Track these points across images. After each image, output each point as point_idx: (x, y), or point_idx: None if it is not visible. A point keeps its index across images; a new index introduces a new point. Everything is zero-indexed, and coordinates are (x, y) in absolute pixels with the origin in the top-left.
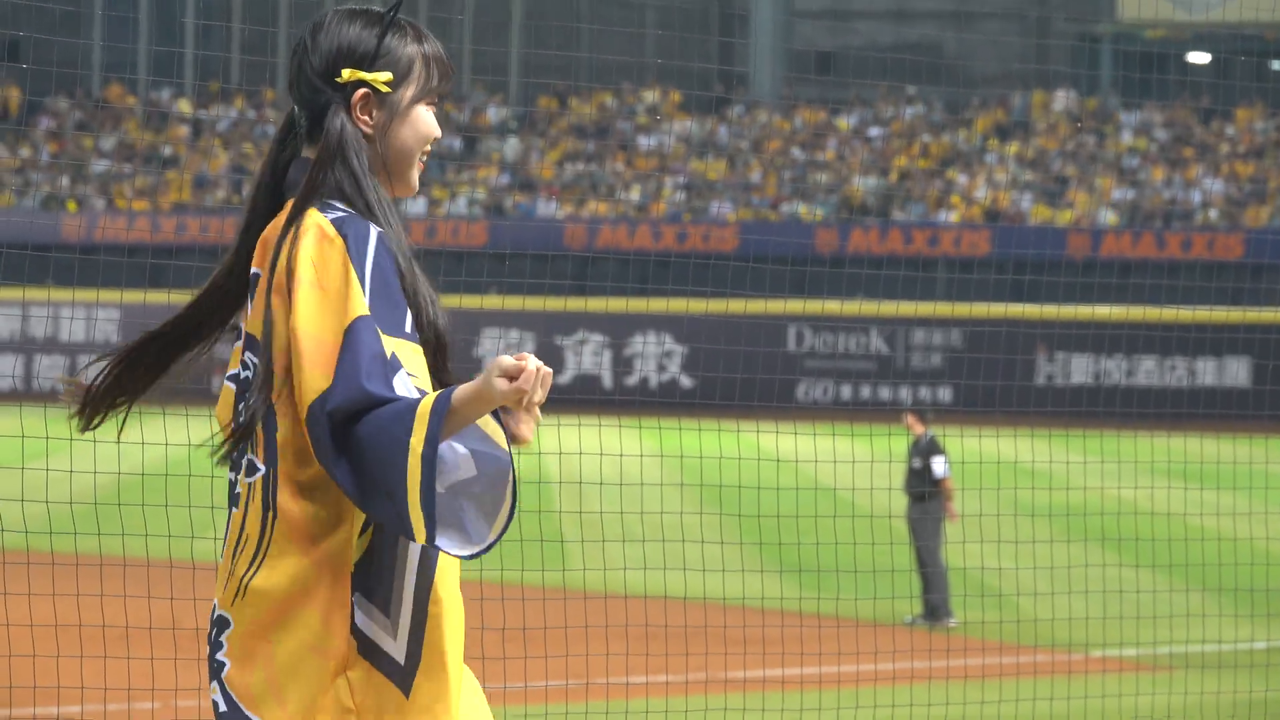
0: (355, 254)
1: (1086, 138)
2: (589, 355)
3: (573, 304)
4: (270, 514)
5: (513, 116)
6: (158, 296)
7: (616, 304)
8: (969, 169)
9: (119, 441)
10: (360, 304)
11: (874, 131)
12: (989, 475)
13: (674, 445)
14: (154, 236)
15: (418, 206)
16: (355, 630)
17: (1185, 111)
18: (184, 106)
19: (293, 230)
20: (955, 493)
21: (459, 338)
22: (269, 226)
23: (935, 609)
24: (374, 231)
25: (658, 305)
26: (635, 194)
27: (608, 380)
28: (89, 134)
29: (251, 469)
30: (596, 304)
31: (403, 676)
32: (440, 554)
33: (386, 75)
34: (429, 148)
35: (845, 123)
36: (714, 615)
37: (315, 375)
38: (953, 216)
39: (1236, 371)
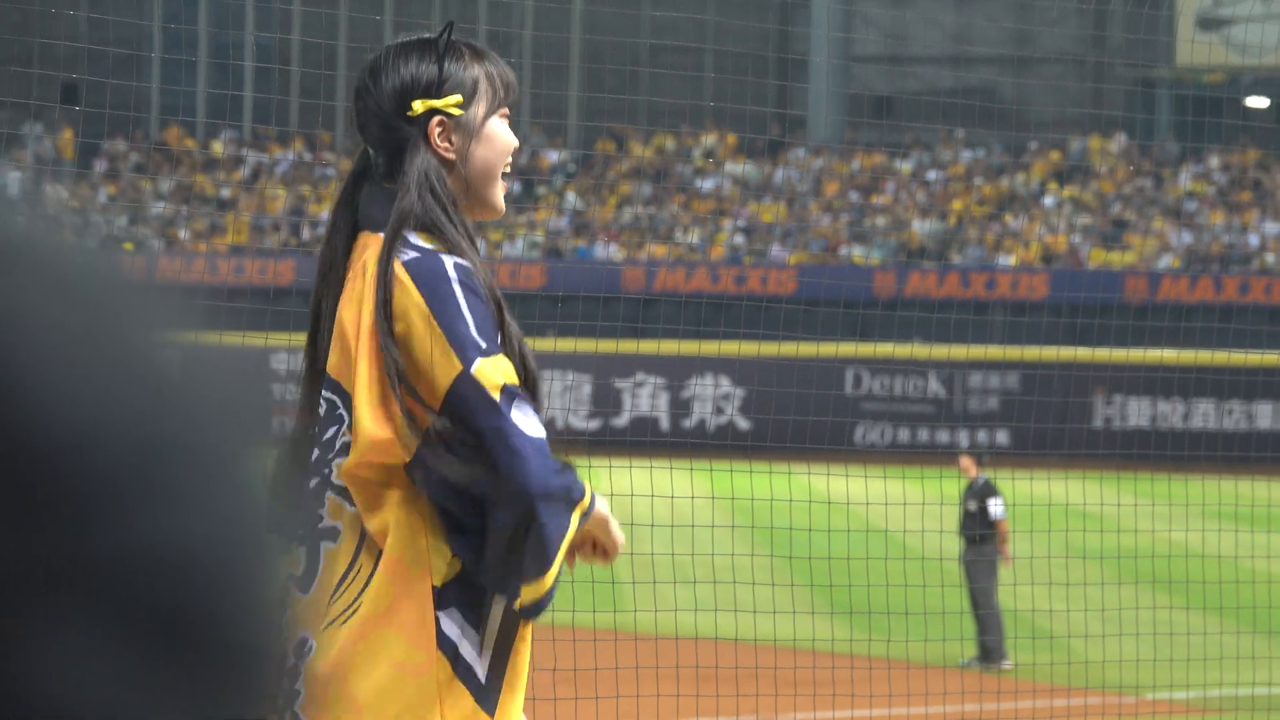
0: (438, 305)
1: (1144, 181)
2: (646, 398)
3: (630, 346)
4: (377, 550)
5: (571, 159)
6: (214, 339)
7: (674, 346)
8: (1027, 212)
9: None
10: (453, 360)
11: (932, 175)
12: (1044, 518)
13: (730, 487)
14: (212, 278)
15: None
16: (445, 644)
17: (1243, 155)
18: (217, 148)
19: (382, 270)
20: (1010, 535)
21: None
22: (356, 264)
23: (989, 651)
24: (448, 262)
25: (715, 348)
26: (693, 237)
27: (665, 422)
28: (147, 176)
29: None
30: (654, 346)
31: (484, 694)
32: None
33: (456, 98)
34: (510, 160)
35: (904, 166)
36: (767, 657)
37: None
38: (1010, 260)
39: None
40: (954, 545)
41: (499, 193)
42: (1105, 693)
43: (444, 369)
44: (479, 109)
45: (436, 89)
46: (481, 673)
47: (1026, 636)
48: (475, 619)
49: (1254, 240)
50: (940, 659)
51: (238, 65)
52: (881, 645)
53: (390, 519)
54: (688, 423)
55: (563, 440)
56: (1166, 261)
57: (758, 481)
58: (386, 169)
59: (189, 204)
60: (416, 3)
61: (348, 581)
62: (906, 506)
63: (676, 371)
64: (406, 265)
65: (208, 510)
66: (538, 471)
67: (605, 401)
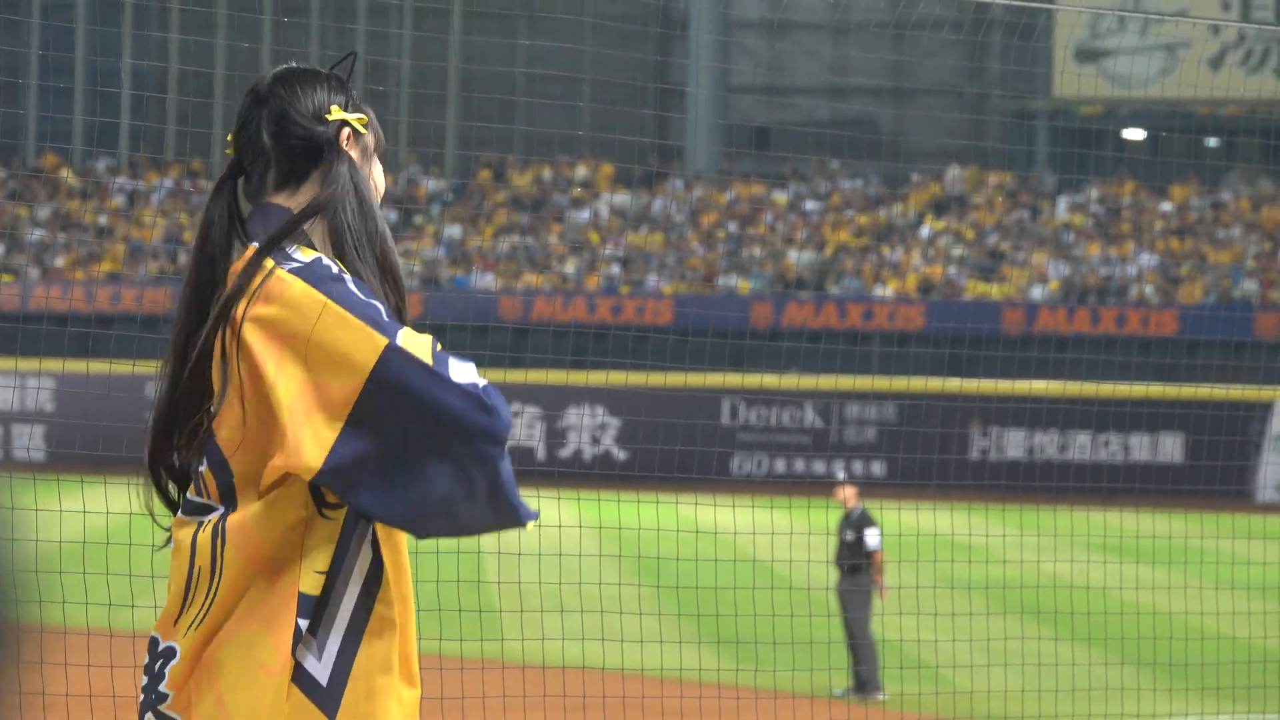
0: (341, 299)
1: (1021, 213)
2: (523, 427)
3: (505, 376)
4: (220, 544)
5: (448, 188)
6: (76, 365)
7: (549, 376)
8: (904, 243)
9: (60, 510)
10: (374, 336)
11: (809, 205)
12: (912, 548)
13: (606, 517)
14: (89, 305)
15: None
16: (295, 649)
17: (1121, 187)
18: (66, 174)
19: (256, 283)
20: (886, 566)
21: None
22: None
23: (864, 682)
24: (333, 265)
25: (591, 378)
26: (570, 267)
27: (541, 452)
28: (23, 203)
29: (206, 510)
30: (528, 376)
31: (325, 699)
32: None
33: (363, 116)
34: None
35: (781, 197)
36: (637, 687)
37: (317, 434)
38: (887, 291)
39: (1170, 447)
40: (829, 575)
41: None
42: None
43: (365, 346)
44: (371, 137)
45: (344, 105)
46: (324, 679)
47: (899, 667)
48: (315, 627)
49: (1131, 272)
50: (816, 689)
51: (115, 92)
52: (753, 675)
53: (262, 513)
54: (564, 452)
55: None
56: (1043, 293)
57: (634, 511)
58: (280, 179)
59: (66, 231)
60: (294, 33)
61: (193, 587)
62: (777, 536)
63: (553, 401)
64: (295, 273)
65: None
66: (485, 418)
67: None
